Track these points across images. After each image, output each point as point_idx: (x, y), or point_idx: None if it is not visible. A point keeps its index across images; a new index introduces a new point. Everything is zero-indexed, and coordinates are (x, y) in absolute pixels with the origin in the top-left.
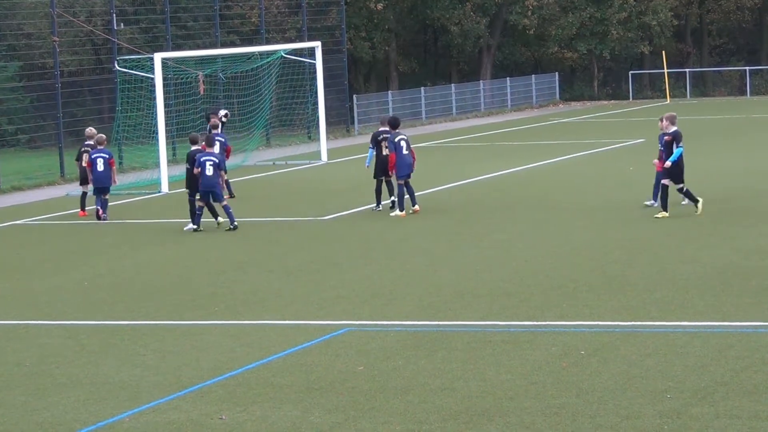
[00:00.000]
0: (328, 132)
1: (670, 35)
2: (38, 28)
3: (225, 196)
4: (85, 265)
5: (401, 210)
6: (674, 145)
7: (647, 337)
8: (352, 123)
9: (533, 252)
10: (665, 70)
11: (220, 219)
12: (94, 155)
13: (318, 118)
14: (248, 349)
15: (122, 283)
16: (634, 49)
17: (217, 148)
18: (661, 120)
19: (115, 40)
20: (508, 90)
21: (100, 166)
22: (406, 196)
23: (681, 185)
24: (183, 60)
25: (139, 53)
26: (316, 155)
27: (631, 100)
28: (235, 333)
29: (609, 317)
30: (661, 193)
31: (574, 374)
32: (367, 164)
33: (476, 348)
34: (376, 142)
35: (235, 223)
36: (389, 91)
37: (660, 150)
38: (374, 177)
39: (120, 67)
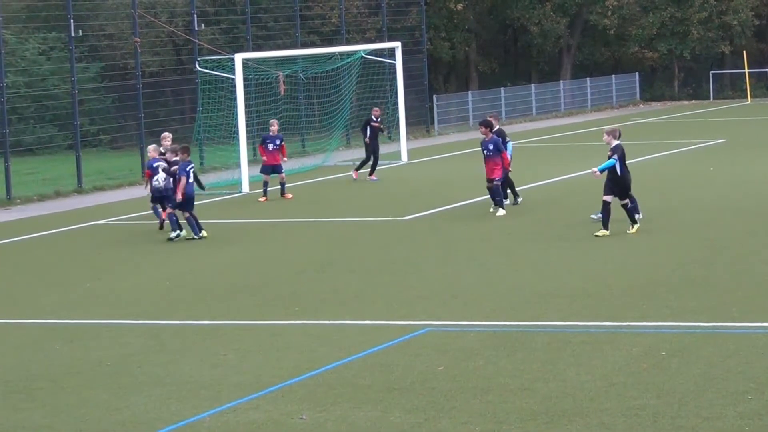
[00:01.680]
0: (408, 132)
1: (751, 35)
2: (120, 29)
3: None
4: (165, 264)
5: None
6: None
7: (728, 337)
8: (432, 123)
9: (612, 252)
10: (746, 70)
11: (182, 233)
12: (154, 164)
13: (398, 118)
14: (328, 349)
15: (203, 283)
16: (715, 49)
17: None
18: (604, 135)
19: (196, 40)
20: (588, 90)
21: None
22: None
23: (625, 201)
24: (263, 60)
25: (219, 54)
26: (397, 155)
27: (711, 100)
28: (315, 333)
29: (690, 318)
30: (602, 210)
31: (654, 375)
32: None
33: (556, 348)
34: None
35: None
36: (469, 92)
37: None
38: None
39: (201, 67)
